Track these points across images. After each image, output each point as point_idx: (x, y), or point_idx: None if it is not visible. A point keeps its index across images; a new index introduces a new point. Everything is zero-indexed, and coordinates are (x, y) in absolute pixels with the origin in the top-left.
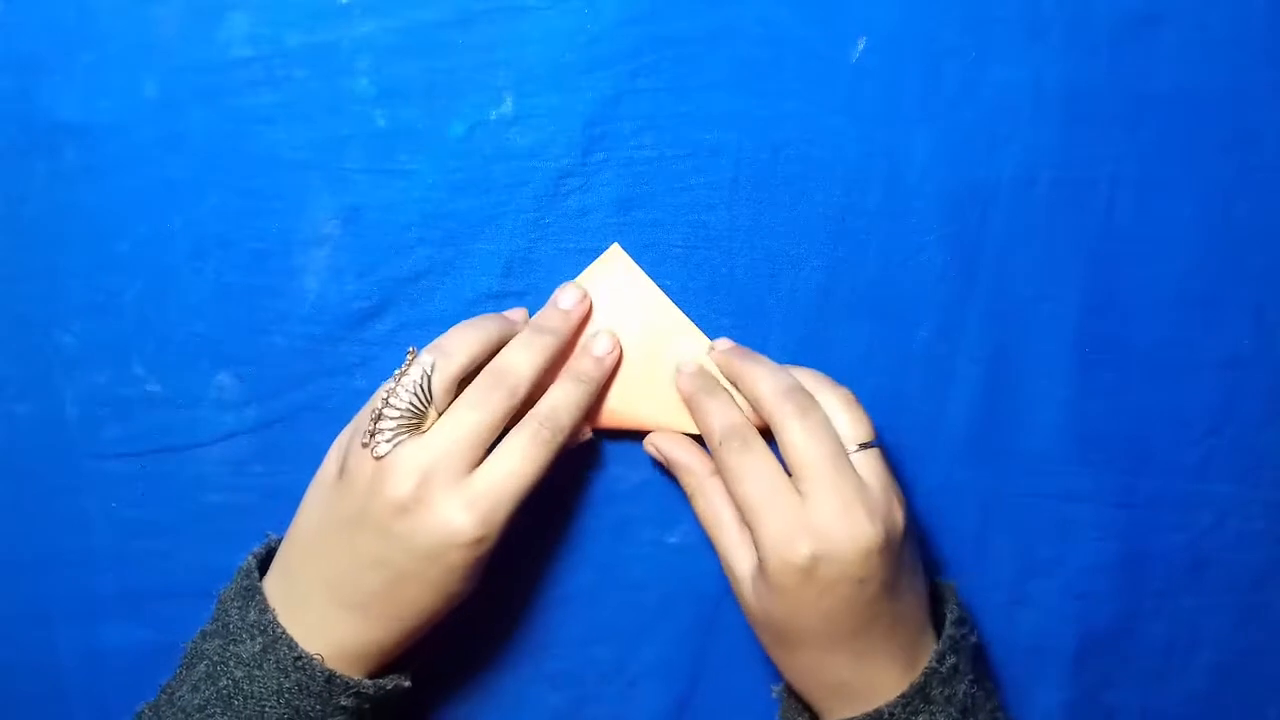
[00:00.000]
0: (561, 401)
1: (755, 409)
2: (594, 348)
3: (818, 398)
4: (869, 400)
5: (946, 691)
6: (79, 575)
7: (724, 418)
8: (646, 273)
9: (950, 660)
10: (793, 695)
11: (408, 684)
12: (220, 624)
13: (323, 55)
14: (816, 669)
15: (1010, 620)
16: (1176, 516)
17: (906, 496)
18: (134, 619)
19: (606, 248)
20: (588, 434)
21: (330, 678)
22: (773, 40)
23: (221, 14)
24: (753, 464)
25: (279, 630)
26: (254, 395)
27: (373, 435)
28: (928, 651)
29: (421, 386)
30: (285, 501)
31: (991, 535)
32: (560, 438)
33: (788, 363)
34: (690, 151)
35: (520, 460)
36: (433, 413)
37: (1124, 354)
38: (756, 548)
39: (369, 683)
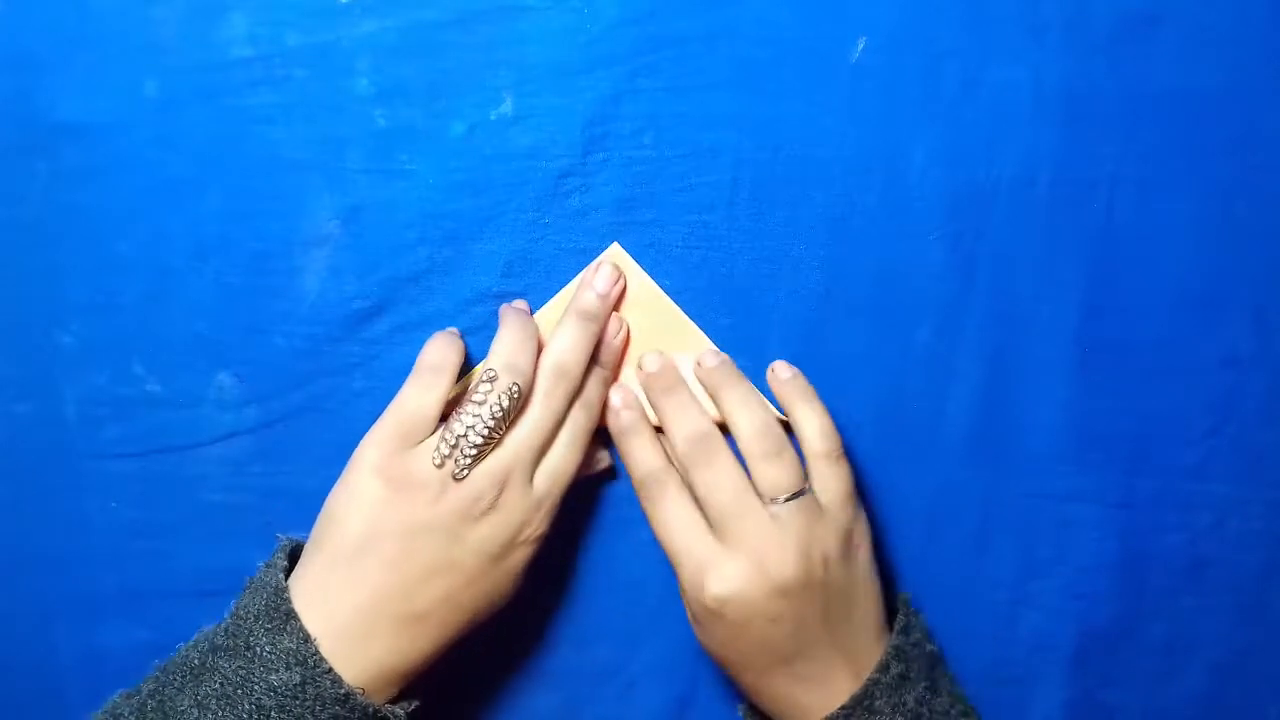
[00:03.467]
0: (595, 389)
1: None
2: (606, 333)
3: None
4: (869, 400)
5: (894, 700)
6: (79, 575)
7: (643, 463)
8: (646, 272)
9: (896, 668)
10: (756, 712)
11: (418, 704)
12: (241, 643)
13: (323, 55)
14: (762, 689)
15: (1010, 620)
16: (1176, 516)
17: (906, 496)
18: (134, 619)
19: (606, 248)
20: (606, 461)
21: (373, 712)
22: (773, 40)
23: (221, 14)
24: (669, 509)
25: (323, 665)
26: (254, 395)
27: (451, 459)
28: (876, 658)
29: (506, 410)
30: (285, 501)
31: (991, 535)
32: (595, 421)
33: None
34: (690, 151)
35: (571, 456)
36: (506, 431)
37: (1124, 354)
38: (681, 592)
39: (401, 711)
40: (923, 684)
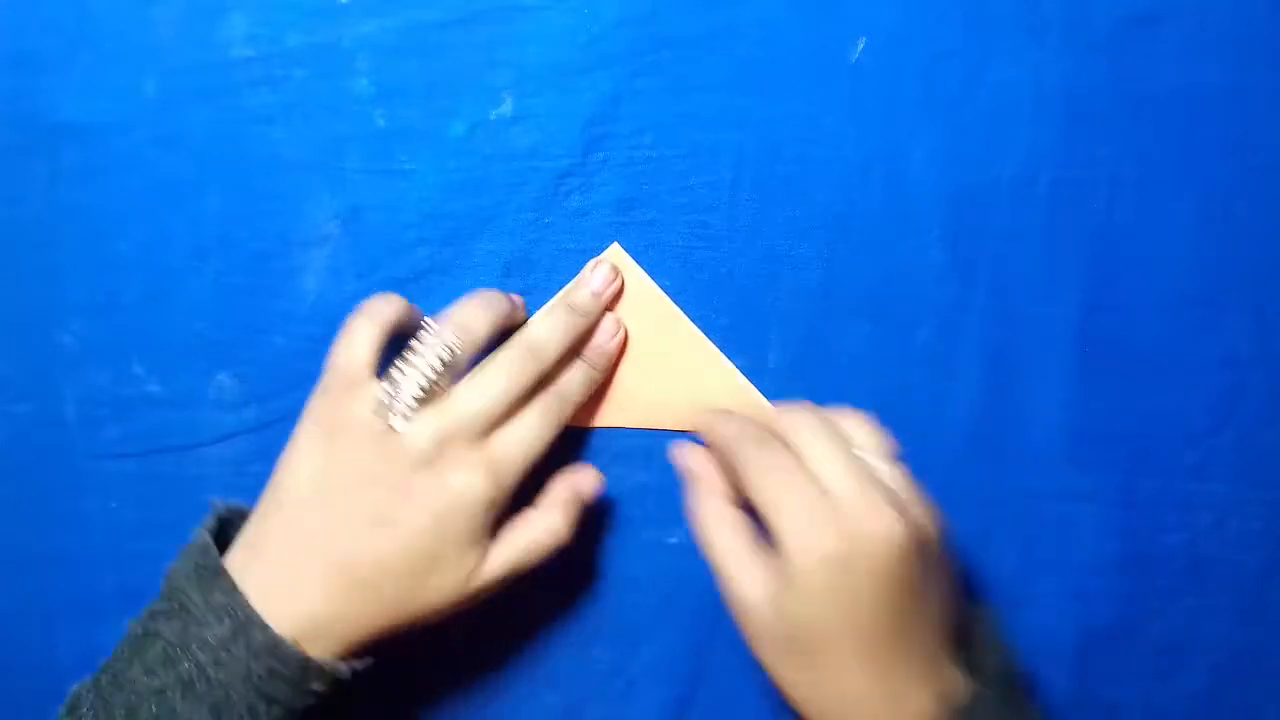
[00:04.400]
0: (576, 382)
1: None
2: (601, 334)
3: (845, 427)
4: (869, 400)
5: None
6: (79, 575)
7: (732, 422)
8: (646, 273)
9: (998, 689)
10: None
11: (371, 662)
12: (175, 604)
13: (323, 55)
14: (834, 681)
15: (1010, 620)
16: (1176, 516)
17: None
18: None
19: (606, 248)
20: (596, 488)
21: (305, 662)
22: (773, 40)
23: (221, 14)
24: (771, 456)
25: (250, 612)
26: (254, 395)
27: (389, 409)
28: (956, 681)
29: (445, 363)
30: None
31: (991, 535)
32: (568, 413)
33: (788, 363)
34: (690, 151)
35: (532, 434)
36: (447, 388)
37: (1124, 354)
38: (780, 546)
39: (344, 666)
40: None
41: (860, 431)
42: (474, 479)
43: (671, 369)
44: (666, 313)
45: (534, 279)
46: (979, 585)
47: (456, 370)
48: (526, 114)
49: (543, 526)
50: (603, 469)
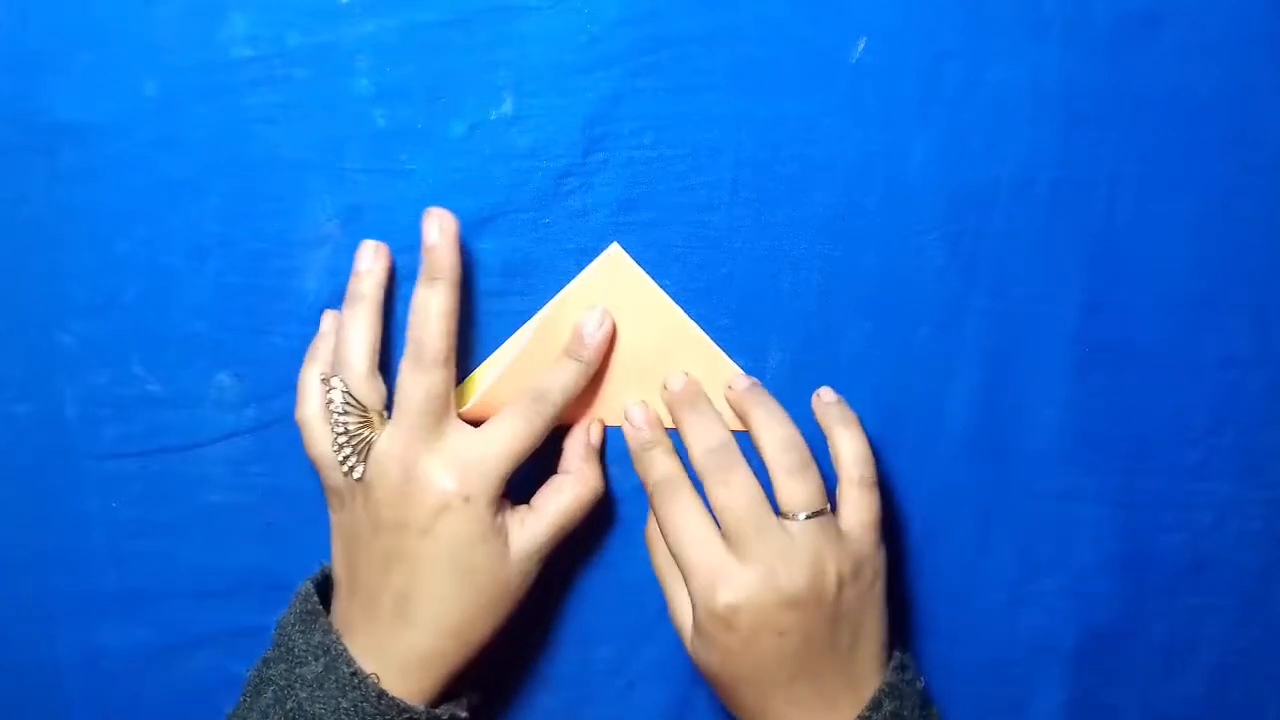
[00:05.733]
0: (554, 380)
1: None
2: (587, 324)
3: (772, 454)
4: (869, 400)
5: None
6: (79, 575)
7: (657, 469)
8: (647, 273)
9: (890, 705)
10: None
11: (464, 715)
12: (284, 649)
13: (323, 55)
14: (759, 711)
15: (1010, 620)
16: (1176, 516)
17: (906, 496)
18: (134, 619)
19: (606, 248)
20: (593, 489)
21: (381, 695)
22: (773, 40)
23: (221, 14)
24: (682, 517)
25: (339, 649)
26: (254, 395)
27: (343, 464)
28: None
29: (349, 405)
30: (285, 501)
31: (991, 535)
32: (550, 410)
33: (788, 362)
34: (690, 151)
35: (505, 429)
36: (374, 415)
37: (1124, 354)
38: (691, 594)
39: (421, 709)
40: None
41: (846, 450)
42: (437, 478)
43: (673, 368)
44: (667, 312)
45: (534, 279)
46: (979, 585)
47: (371, 395)
48: (526, 114)
49: (570, 486)
50: (603, 469)
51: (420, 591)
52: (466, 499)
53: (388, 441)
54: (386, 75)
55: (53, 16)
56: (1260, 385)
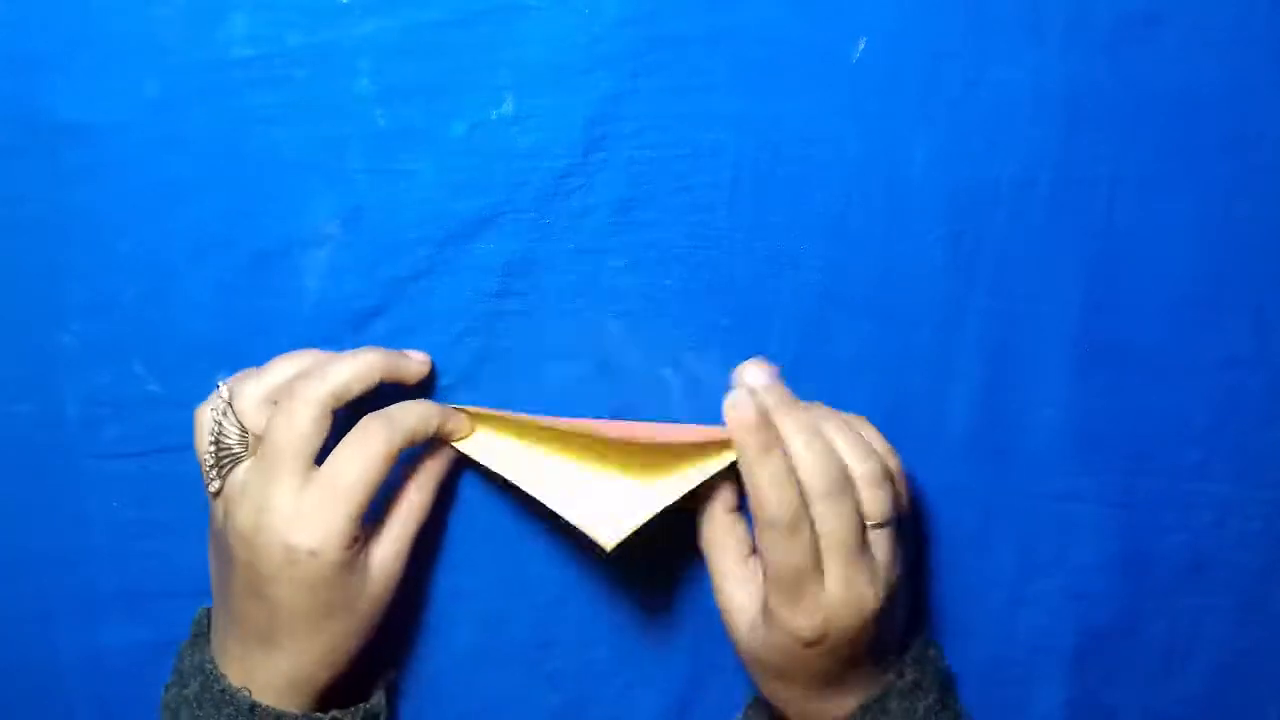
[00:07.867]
0: (402, 407)
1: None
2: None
3: (853, 464)
4: (869, 400)
5: (905, 705)
6: (79, 575)
7: (780, 495)
8: (646, 273)
9: (912, 674)
10: (760, 707)
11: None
12: (176, 672)
13: (323, 55)
14: (798, 699)
15: (1010, 620)
16: (1176, 516)
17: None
18: (134, 619)
19: (606, 248)
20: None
21: (254, 708)
22: (773, 40)
23: (221, 14)
24: (798, 544)
25: (210, 667)
26: None
27: (205, 471)
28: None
29: (229, 416)
30: None
31: (991, 535)
32: (397, 438)
33: (788, 363)
34: (690, 151)
35: (346, 467)
36: (254, 440)
37: (1124, 354)
38: (770, 611)
39: (298, 714)
40: (934, 695)
41: (865, 492)
42: (292, 536)
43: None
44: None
45: (534, 279)
46: (979, 585)
47: (244, 412)
48: (527, 114)
49: (415, 493)
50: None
51: (279, 630)
52: (313, 553)
53: (245, 472)
54: (387, 75)
55: (53, 16)
56: (1260, 385)
